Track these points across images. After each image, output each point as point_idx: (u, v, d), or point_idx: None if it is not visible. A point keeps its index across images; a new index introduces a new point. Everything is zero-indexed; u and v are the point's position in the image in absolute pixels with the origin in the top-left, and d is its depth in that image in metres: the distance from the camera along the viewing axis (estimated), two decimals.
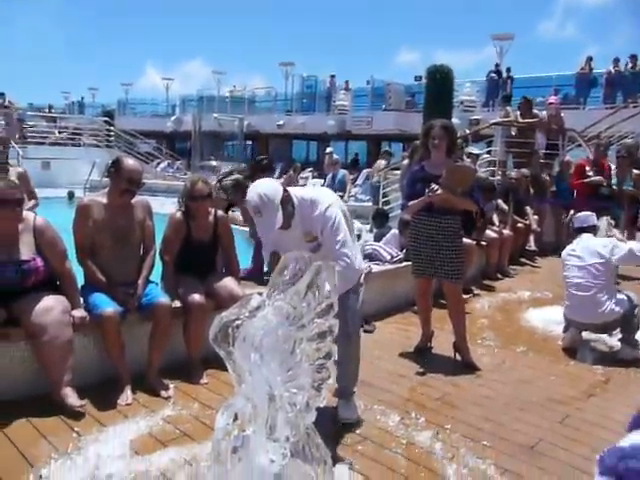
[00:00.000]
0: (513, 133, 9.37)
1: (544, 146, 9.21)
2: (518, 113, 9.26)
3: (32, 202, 4.82)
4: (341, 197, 13.00)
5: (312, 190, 2.85)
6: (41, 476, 2.28)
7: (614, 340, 4.19)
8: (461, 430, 2.86)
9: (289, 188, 2.72)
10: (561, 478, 2.46)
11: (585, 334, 4.24)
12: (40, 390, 2.94)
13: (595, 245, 4.08)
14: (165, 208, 4.67)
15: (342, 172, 13.22)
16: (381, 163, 10.63)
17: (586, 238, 4.20)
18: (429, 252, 3.81)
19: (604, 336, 4.29)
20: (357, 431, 2.80)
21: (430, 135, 3.77)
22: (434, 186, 3.63)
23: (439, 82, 8.30)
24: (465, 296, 5.51)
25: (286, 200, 2.61)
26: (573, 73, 17.06)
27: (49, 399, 2.87)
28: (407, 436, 2.78)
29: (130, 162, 3.41)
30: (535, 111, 9.48)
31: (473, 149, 7.90)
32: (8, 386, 2.93)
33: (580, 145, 9.34)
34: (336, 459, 2.42)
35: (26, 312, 2.87)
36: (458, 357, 3.87)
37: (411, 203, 3.83)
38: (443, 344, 4.18)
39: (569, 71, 17.61)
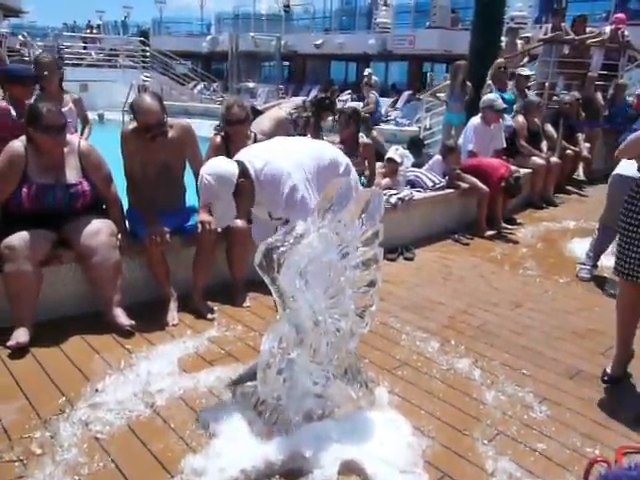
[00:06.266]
0: (566, 52, 8.79)
1: (600, 66, 8.63)
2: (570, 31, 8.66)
3: (87, 128, 4.87)
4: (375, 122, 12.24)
5: (270, 158, 2.49)
6: (97, 389, 2.42)
7: None
8: (500, 358, 2.88)
9: (247, 161, 2.47)
10: (601, 408, 2.47)
11: None
12: (91, 309, 3.07)
13: None
14: (202, 131, 4.61)
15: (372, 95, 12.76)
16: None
17: None
18: None
19: None
20: (397, 356, 2.85)
21: None
22: None
23: None
24: (509, 227, 5.42)
25: (243, 188, 2.40)
26: None
27: (100, 318, 2.99)
28: (446, 362, 2.81)
29: (143, 106, 3.11)
30: (590, 29, 8.82)
31: (524, 70, 7.46)
32: (62, 305, 3.07)
33: None
34: (376, 382, 2.48)
35: (76, 234, 2.95)
36: None
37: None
38: (482, 271, 4.14)
39: None
